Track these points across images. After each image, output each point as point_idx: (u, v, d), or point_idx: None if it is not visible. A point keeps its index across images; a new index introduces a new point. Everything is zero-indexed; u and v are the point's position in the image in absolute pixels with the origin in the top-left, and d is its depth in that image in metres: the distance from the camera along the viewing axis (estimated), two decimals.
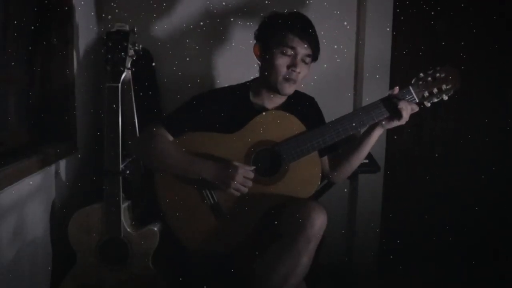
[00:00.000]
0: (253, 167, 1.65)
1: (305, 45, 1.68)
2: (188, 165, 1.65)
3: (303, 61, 1.70)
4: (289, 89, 1.72)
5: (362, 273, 2.42)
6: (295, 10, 1.79)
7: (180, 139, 1.70)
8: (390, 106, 1.65)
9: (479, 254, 2.47)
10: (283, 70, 1.69)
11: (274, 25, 1.72)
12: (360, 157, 1.76)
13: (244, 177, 1.62)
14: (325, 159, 1.82)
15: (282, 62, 1.69)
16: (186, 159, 1.66)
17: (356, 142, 1.76)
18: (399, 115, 1.64)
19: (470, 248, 2.48)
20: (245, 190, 1.63)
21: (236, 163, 1.62)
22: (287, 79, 1.70)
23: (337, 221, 2.40)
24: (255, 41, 1.78)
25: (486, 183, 2.47)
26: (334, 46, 2.28)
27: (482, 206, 2.47)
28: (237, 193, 1.64)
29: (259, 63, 1.78)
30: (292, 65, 1.68)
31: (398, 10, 2.33)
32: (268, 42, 1.72)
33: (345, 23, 2.31)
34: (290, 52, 1.68)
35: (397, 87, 1.67)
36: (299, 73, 1.70)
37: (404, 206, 2.53)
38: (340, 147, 1.84)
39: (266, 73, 1.73)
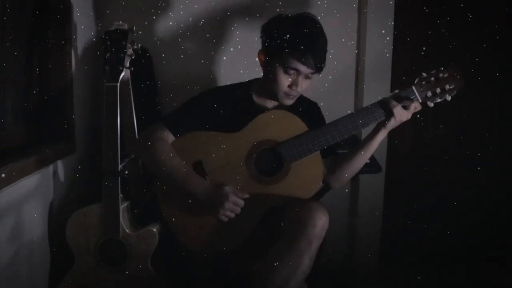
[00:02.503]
0: (246, 195, 1.62)
1: (309, 67, 1.65)
2: (182, 180, 1.63)
3: (307, 77, 1.69)
4: (290, 101, 1.73)
5: (363, 274, 2.41)
6: (298, 10, 1.74)
7: (181, 138, 1.68)
8: (393, 105, 1.63)
9: (481, 255, 2.46)
10: (283, 87, 1.68)
11: (277, 41, 1.65)
12: (361, 161, 1.73)
13: (233, 204, 1.60)
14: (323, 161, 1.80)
15: (283, 80, 1.67)
16: (183, 173, 1.63)
17: (358, 145, 1.74)
18: (400, 114, 1.62)
19: (471, 249, 2.47)
20: (232, 216, 1.62)
21: (228, 190, 1.61)
22: (287, 95, 1.70)
23: (338, 222, 2.39)
24: (261, 46, 1.74)
25: (487, 184, 2.47)
26: (335, 46, 2.25)
27: (483, 206, 2.46)
28: (225, 219, 1.62)
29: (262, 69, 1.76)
30: (293, 85, 1.68)
31: (399, 10, 2.32)
32: (271, 56, 1.69)
33: (346, 22, 2.30)
34: (292, 72, 1.67)
35: (398, 90, 1.66)
36: (300, 89, 1.69)
37: (406, 207, 2.52)
38: (338, 150, 1.82)
39: (268, 82, 1.72)
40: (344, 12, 2.30)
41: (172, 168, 1.63)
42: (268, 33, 1.71)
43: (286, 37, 1.63)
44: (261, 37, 1.74)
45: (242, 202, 1.62)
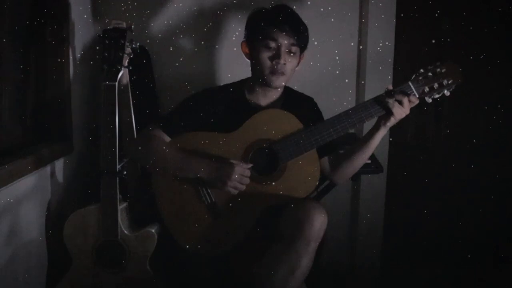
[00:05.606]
0: (250, 165, 1.64)
1: (287, 36, 1.67)
2: (184, 164, 1.64)
3: (289, 51, 1.68)
4: (278, 81, 1.70)
5: (364, 275, 2.40)
6: (288, 4, 1.77)
7: (177, 139, 1.68)
8: (389, 101, 1.61)
9: (483, 255, 2.45)
10: (267, 63, 1.68)
11: (256, 20, 1.73)
12: (363, 158, 1.72)
13: (241, 174, 1.60)
14: (325, 159, 1.79)
15: (265, 55, 1.68)
16: (182, 158, 1.64)
17: (359, 142, 1.73)
18: (397, 110, 1.60)
19: (473, 249, 2.46)
20: (242, 187, 1.62)
21: (232, 161, 1.61)
22: (273, 72, 1.68)
23: (340, 222, 2.38)
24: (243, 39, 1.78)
25: (489, 184, 2.45)
26: (336, 41, 2.25)
27: (485, 206, 2.45)
28: (235, 191, 1.62)
29: (248, 60, 1.77)
30: (275, 57, 1.67)
31: (401, 5, 2.30)
32: (252, 38, 1.72)
33: (347, 18, 2.28)
34: (272, 44, 1.67)
35: (390, 85, 1.64)
36: (284, 64, 1.68)
37: (407, 207, 2.51)
38: (339, 147, 1.81)
39: (255, 69, 1.73)
40: (345, 7, 2.28)
41: (171, 157, 1.64)
42: (247, 22, 1.77)
43: (265, 15, 1.71)
44: (245, 30, 1.78)
45: (248, 171, 1.62)
